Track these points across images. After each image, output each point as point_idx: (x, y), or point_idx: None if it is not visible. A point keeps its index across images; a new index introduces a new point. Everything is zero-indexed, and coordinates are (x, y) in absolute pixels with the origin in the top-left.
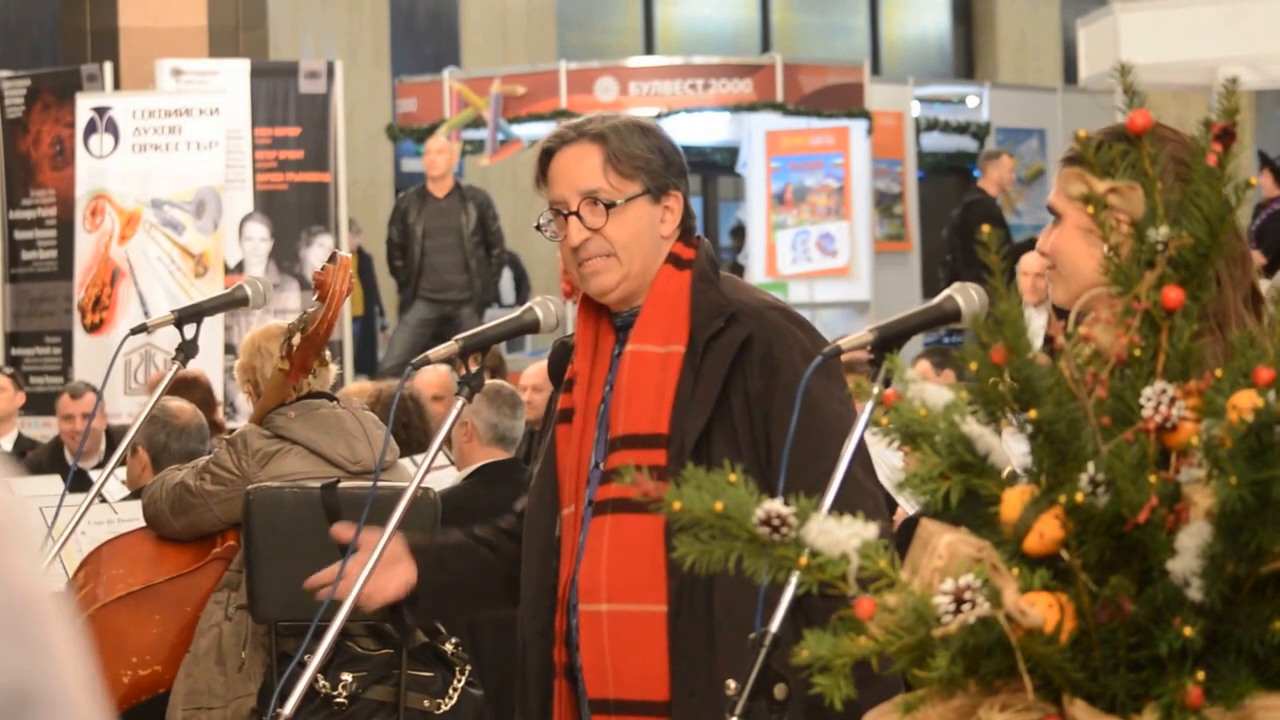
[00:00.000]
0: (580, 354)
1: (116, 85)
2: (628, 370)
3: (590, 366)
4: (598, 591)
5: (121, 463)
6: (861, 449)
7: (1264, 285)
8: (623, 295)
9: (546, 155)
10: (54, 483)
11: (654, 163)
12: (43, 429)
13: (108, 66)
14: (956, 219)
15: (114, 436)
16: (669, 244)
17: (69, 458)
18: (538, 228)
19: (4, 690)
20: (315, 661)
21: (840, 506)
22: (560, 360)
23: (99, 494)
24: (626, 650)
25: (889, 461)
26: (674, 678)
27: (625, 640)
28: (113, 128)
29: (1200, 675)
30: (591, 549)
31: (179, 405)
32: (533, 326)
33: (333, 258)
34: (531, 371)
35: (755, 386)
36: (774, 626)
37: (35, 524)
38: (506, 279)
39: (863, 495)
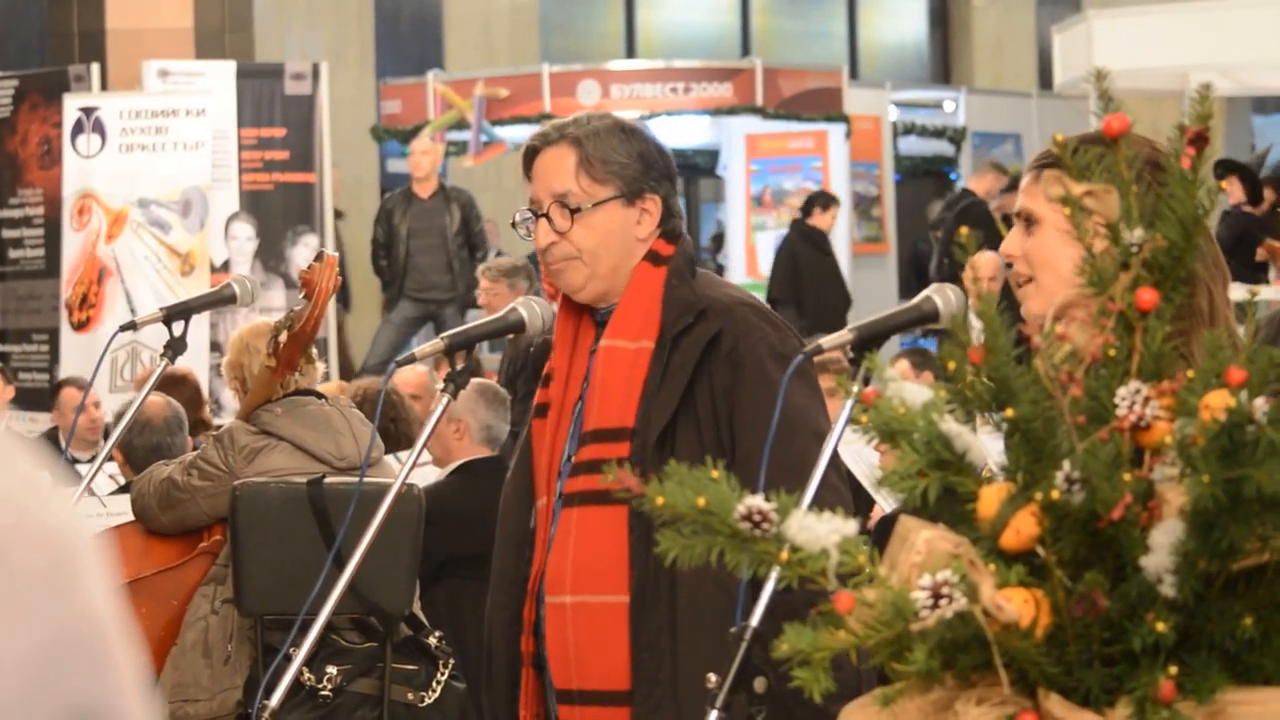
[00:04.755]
0: (558, 350)
1: (104, 86)
2: (601, 365)
3: (569, 362)
4: (563, 583)
5: (109, 458)
6: (833, 457)
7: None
8: (593, 294)
9: (530, 153)
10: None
11: (630, 167)
12: (29, 424)
13: (95, 67)
14: (951, 223)
15: (111, 432)
16: (646, 245)
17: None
18: (514, 225)
19: (76, 713)
20: (301, 655)
21: (813, 503)
22: (543, 357)
23: (88, 488)
24: (589, 641)
25: (868, 459)
26: (635, 668)
27: (588, 631)
28: (100, 128)
29: (1172, 670)
30: (559, 541)
31: (149, 400)
32: (518, 326)
33: (319, 256)
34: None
35: (721, 382)
36: (754, 620)
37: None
38: None
39: (831, 493)
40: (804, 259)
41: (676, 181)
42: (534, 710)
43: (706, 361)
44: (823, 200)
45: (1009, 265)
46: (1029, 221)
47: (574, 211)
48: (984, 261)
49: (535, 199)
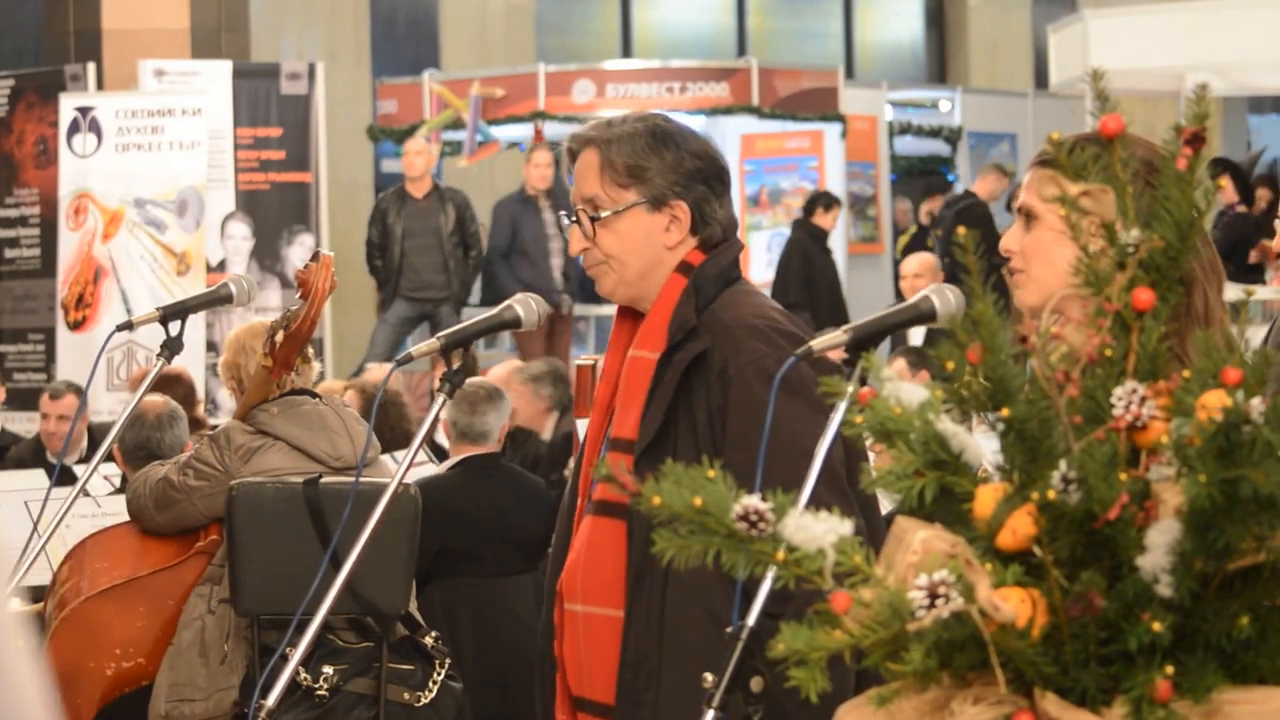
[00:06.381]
0: (610, 350)
1: (100, 85)
2: (626, 374)
3: (618, 364)
4: (575, 591)
5: (106, 459)
6: (827, 466)
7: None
8: (625, 298)
9: (569, 155)
10: (39, 477)
11: (653, 172)
12: (26, 424)
13: (91, 67)
14: (950, 222)
15: (94, 432)
16: (677, 253)
17: (50, 456)
18: (561, 230)
19: None
20: (297, 654)
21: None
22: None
23: (84, 489)
24: (593, 651)
25: None
26: (620, 685)
27: (592, 641)
28: (96, 127)
29: (1169, 669)
30: (577, 548)
31: (146, 397)
32: (513, 323)
33: (315, 256)
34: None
35: (716, 401)
36: (751, 620)
37: (3, 544)
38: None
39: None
40: (815, 259)
41: (720, 186)
42: (570, 714)
43: (700, 379)
44: (825, 200)
45: (1007, 259)
46: (1028, 217)
47: (593, 220)
48: (912, 261)
49: (572, 203)
